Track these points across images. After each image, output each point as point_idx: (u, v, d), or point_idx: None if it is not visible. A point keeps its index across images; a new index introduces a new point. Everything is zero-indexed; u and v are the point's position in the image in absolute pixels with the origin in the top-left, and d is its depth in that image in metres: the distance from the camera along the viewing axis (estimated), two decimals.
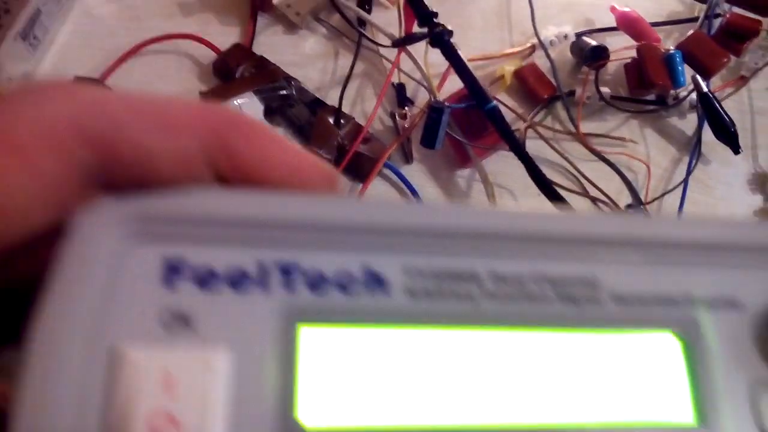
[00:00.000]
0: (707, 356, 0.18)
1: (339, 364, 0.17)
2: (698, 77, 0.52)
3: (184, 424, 0.15)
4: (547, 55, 0.55)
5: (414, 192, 0.52)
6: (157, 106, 0.16)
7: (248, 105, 0.49)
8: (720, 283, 0.19)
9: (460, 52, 0.49)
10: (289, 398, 0.16)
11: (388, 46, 0.52)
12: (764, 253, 0.19)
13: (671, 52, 0.52)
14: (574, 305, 0.18)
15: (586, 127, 0.54)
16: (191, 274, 0.16)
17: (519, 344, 0.18)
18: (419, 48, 0.52)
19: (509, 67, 0.55)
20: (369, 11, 0.55)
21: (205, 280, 0.16)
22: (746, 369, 0.18)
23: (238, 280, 0.17)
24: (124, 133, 0.16)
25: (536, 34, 0.55)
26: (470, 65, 0.49)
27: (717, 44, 0.53)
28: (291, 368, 0.16)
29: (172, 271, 0.16)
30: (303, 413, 0.16)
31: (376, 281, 0.17)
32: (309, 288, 0.17)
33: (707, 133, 0.54)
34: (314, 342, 0.16)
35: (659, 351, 0.18)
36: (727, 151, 0.53)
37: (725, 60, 0.52)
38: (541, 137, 0.52)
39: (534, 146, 0.53)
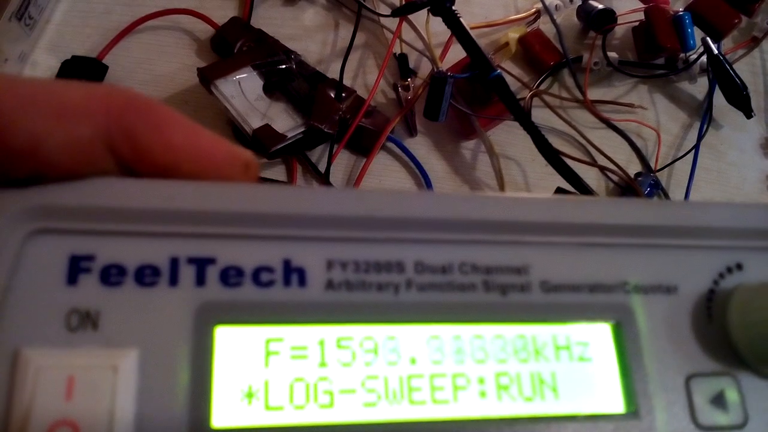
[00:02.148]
0: (640, 344, 0.17)
1: (255, 362, 0.16)
2: (708, 39, 0.50)
3: (84, 429, 0.14)
4: (553, 21, 0.53)
5: (419, 165, 0.51)
6: (49, 91, 0.15)
7: (247, 80, 0.48)
8: (654, 267, 0.18)
9: (462, 19, 0.47)
10: (203, 399, 0.15)
11: (388, 16, 0.51)
12: (698, 234, 0.19)
13: (680, 13, 0.50)
14: (501, 295, 0.17)
15: (593, 93, 0.53)
16: (99, 269, 0.15)
17: (441, 336, 0.17)
18: (421, 17, 0.51)
19: (513, 34, 0.53)
20: None
21: (113, 275, 0.15)
22: (682, 357, 0.18)
23: (146, 276, 0.16)
24: (10, 120, 0.15)
25: None
26: (473, 33, 0.48)
27: (727, 4, 0.51)
28: (206, 368, 0.15)
29: (78, 267, 0.15)
30: (216, 414, 0.15)
31: (296, 274, 0.16)
32: (222, 283, 0.16)
33: (718, 97, 0.52)
34: (229, 341, 0.16)
35: (590, 339, 0.18)
36: (739, 115, 0.51)
37: (736, 21, 0.50)
38: (548, 105, 0.51)
39: (540, 115, 0.52)
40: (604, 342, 0.17)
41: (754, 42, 0.54)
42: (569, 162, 0.47)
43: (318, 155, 0.51)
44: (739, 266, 0.19)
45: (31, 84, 0.15)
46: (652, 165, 0.51)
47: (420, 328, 0.17)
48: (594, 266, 0.18)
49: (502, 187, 0.50)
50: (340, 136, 0.50)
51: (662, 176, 0.51)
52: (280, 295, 0.16)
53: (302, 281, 0.16)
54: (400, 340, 0.16)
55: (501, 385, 0.17)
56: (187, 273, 0.16)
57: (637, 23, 0.53)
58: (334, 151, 0.50)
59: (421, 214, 0.17)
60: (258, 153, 0.49)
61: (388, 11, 0.51)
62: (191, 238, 0.16)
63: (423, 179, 0.51)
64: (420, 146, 0.52)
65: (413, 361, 0.16)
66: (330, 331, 0.16)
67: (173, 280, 0.16)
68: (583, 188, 0.46)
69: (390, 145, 0.52)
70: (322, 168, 0.50)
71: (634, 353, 0.17)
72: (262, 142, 0.45)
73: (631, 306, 0.18)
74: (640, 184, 0.49)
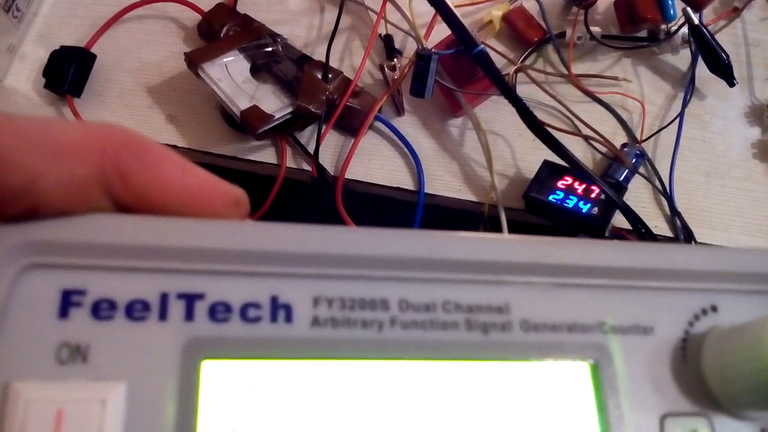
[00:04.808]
0: (616, 383, 0.18)
1: (240, 397, 0.16)
2: (689, 9, 0.51)
3: None
4: None
5: (407, 144, 0.52)
6: (46, 131, 0.16)
7: (234, 63, 0.49)
8: (631, 308, 0.19)
9: None
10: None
11: None
12: (674, 276, 0.19)
13: None
14: (483, 333, 0.18)
15: (578, 68, 0.53)
16: (90, 304, 0.16)
17: (423, 373, 0.17)
18: None
19: (497, 12, 0.54)
20: None
21: (103, 310, 0.16)
22: (657, 397, 0.18)
23: (136, 311, 0.16)
24: (8, 160, 0.15)
25: None
26: (457, 11, 0.48)
27: None
28: (191, 403, 0.16)
29: (70, 301, 0.16)
30: None
31: (282, 311, 0.17)
32: (210, 318, 0.16)
33: (701, 68, 0.53)
34: (215, 375, 0.16)
35: (568, 378, 0.18)
36: (722, 84, 0.52)
37: None
38: (533, 81, 0.52)
39: (526, 90, 0.52)
40: (582, 381, 0.18)
41: (735, 12, 0.55)
42: (555, 134, 0.47)
43: (307, 136, 0.51)
44: (714, 308, 0.19)
45: (30, 123, 0.16)
46: (638, 136, 0.52)
47: (403, 365, 0.17)
48: (572, 306, 0.18)
49: (489, 162, 0.50)
50: (328, 117, 0.50)
51: (648, 146, 0.52)
52: (266, 331, 0.16)
53: (289, 317, 0.17)
54: (384, 376, 0.17)
55: (477, 423, 0.17)
56: (176, 308, 0.16)
57: None
58: (322, 131, 0.50)
59: (406, 253, 0.18)
60: (247, 133, 0.49)
61: None
62: (181, 274, 0.16)
63: (412, 157, 0.51)
64: (408, 125, 0.53)
65: (396, 396, 0.17)
66: (315, 367, 0.17)
67: (162, 315, 0.16)
68: (569, 159, 0.47)
69: (378, 124, 0.52)
70: (311, 149, 0.50)
71: (610, 392, 0.18)
72: (250, 122, 0.46)
73: (608, 346, 0.18)
74: (626, 155, 0.50)
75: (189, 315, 0.16)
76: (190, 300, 0.16)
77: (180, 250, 0.17)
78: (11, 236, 0.16)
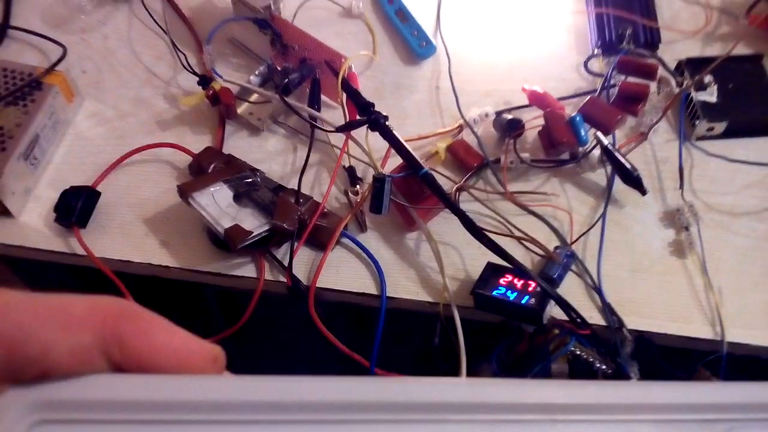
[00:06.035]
0: None
1: None
2: (599, 134, 0.61)
3: None
4: (473, 132, 0.64)
5: (370, 255, 0.59)
6: (59, 305, 0.19)
7: (219, 192, 0.57)
8: None
9: (396, 133, 0.58)
10: None
11: (333, 131, 0.62)
12: (595, 410, 0.21)
13: (573, 115, 0.61)
14: None
15: (513, 187, 0.63)
16: None
17: None
18: (362, 133, 0.62)
19: (442, 144, 0.64)
20: (318, 110, 0.65)
21: None
22: None
23: None
24: (26, 334, 0.18)
25: (462, 115, 0.65)
26: (408, 145, 0.58)
27: (611, 106, 0.63)
28: None
29: None
30: None
31: None
32: None
33: (618, 181, 0.62)
34: None
35: None
36: (638, 193, 0.61)
37: (619, 117, 0.61)
38: (475, 198, 0.61)
39: (470, 208, 0.61)
40: None
41: (643, 136, 0.65)
42: (495, 239, 0.55)
43: (282, 253, 0.59)
44: None
45: (45, 300, 0.19)
46: (568, 240, 0.60)
47: None
48: None
49: (441, 267, 0.58)
50: (300, 235, 0.58)
51: (578, 248, 0.60)
52: None
53: None
54: None
55: None
56: None
57: (540, 127, 0.64)
58: (295, 247, 0.58)
59: (361, 398, 0.20)
60: (230, 250, 0.57)
61: (336, 133, 0.61)
62: (166, 424, 0.19)
63: (374, 267, 0.59)
64: (370, 239, 0.61)
65: None
66: None
67: None
68: (508, 258, 0.54)
69: (344, 240, 0.60)
70: (285, 262, 0.58)
71: None
72: (232, 238, 0.54)
73: None
74: (558, 255, 0.58)
75: None
76: None
77: (166, 403, 0.19)
78: (25, 397, 0.18)
